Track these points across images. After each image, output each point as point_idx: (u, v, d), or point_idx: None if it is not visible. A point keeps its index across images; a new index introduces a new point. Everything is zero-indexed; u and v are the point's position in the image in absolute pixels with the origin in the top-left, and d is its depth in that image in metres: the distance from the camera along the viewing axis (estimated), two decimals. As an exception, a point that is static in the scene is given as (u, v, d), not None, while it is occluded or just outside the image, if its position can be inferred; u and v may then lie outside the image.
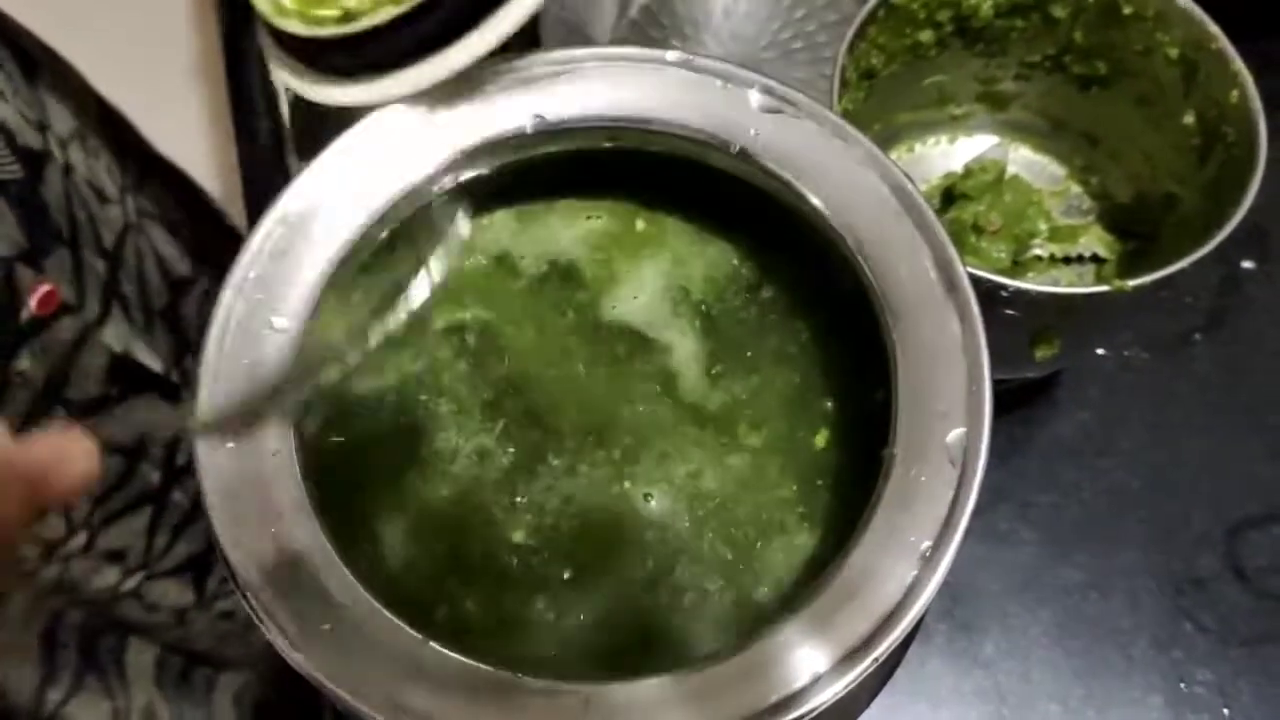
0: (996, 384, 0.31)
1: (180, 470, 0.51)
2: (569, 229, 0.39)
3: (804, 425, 0.36)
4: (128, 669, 0.50)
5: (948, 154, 0.62)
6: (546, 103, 0.36)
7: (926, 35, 0.55)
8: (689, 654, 0.33)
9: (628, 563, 0.34)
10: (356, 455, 0.36)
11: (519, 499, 0.35)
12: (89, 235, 0.48)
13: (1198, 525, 0.56)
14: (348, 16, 0.39)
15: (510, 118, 0.35)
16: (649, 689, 0.28)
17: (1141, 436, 0.58)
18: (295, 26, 0.39)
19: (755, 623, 0.32)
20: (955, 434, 0.31)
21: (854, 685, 0.28)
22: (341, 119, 0.36)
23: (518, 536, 0.35)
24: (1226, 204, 0.46)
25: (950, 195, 0.58)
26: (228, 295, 0.33)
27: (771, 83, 0.36)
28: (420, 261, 0.34)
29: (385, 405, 0.36)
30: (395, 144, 0.35)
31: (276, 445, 0.31)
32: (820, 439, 0.36)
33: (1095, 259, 0.58)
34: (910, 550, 0.29)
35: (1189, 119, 0.52)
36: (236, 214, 0.61)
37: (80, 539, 0.46)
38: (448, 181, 0.36)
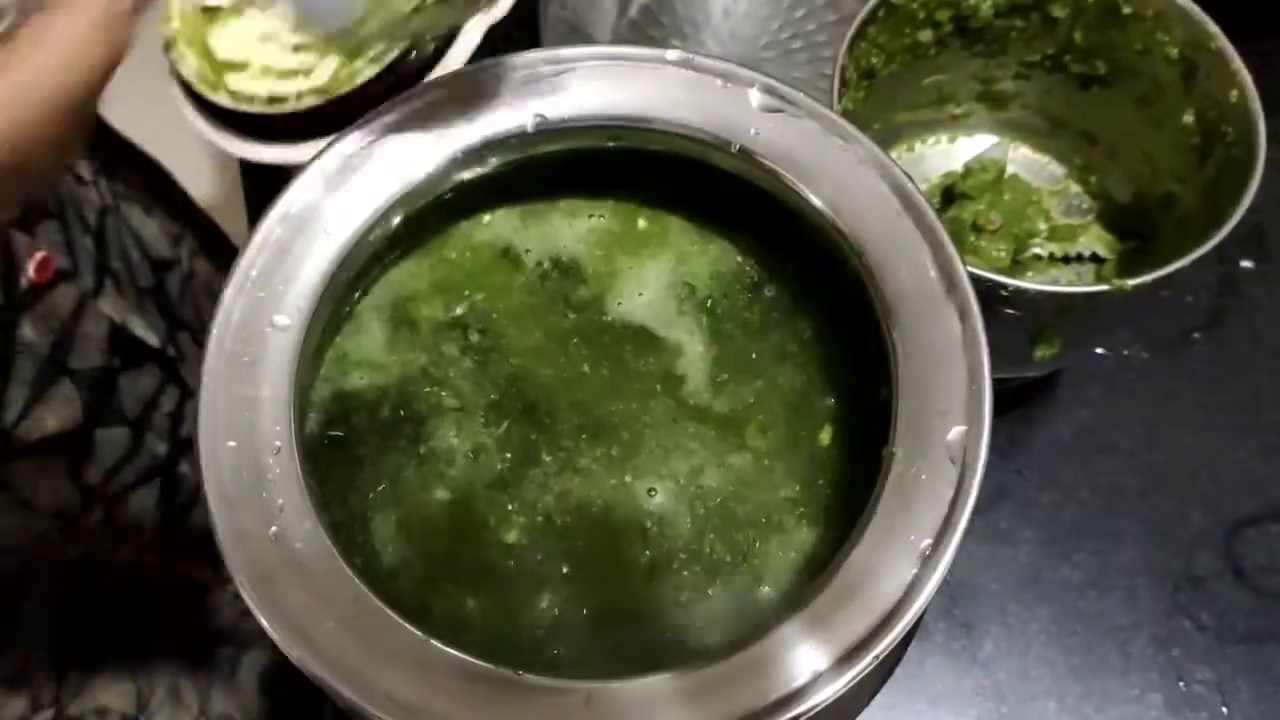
0: (997, 383, 0.31)
1: (185, 442, 0.51)
2: (571, 227, 0.39)
3: (807, 424, 0.36)
4: (151, 649, 0.50)
5: (947, 153, 0.62)
6: (547, 102, 0.36)
7: (926, 35, 0.55)
8: (690, 652, 0.33)
9: (631, 561, 0.34)
10: (358, 453, 0.36)
11: (521, 497, 0.35)
12: (73, 212, 0.49)
13: (1196, 524, 0.56)
14: (273, 100, 0.43)
15: (511, 117, 0.36)
16: (650, 686, 0.28)
17: (1141, 436, 0.58)
18: (224, 100, 0.42)
19: (755, 620, 0.32)
20: (956, 433, 0.31)
21: (854, 683, 0.28)
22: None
23: (519, 535, 0.35)
24: (1226, 204, 0.46)
25: (950, 194, 0.58)
26: (229, 293, 0.33)
27: (772, 82, 0.36)
28: None
29: (387, 403, 0.36)
30: (396, 143, 0.35)
31: (277, 442, 0.31)
32: (825, 435, 0.36)
33: (1095, 258, 0.58)
34: (910, 549, 0.30)
35: (1188, 119, 0.52)
36: (237, 213, 0.61)
37: (98, 513, 0.46)
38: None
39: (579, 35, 0.63)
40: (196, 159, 0.74)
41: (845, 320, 0.37)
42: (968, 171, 0.58)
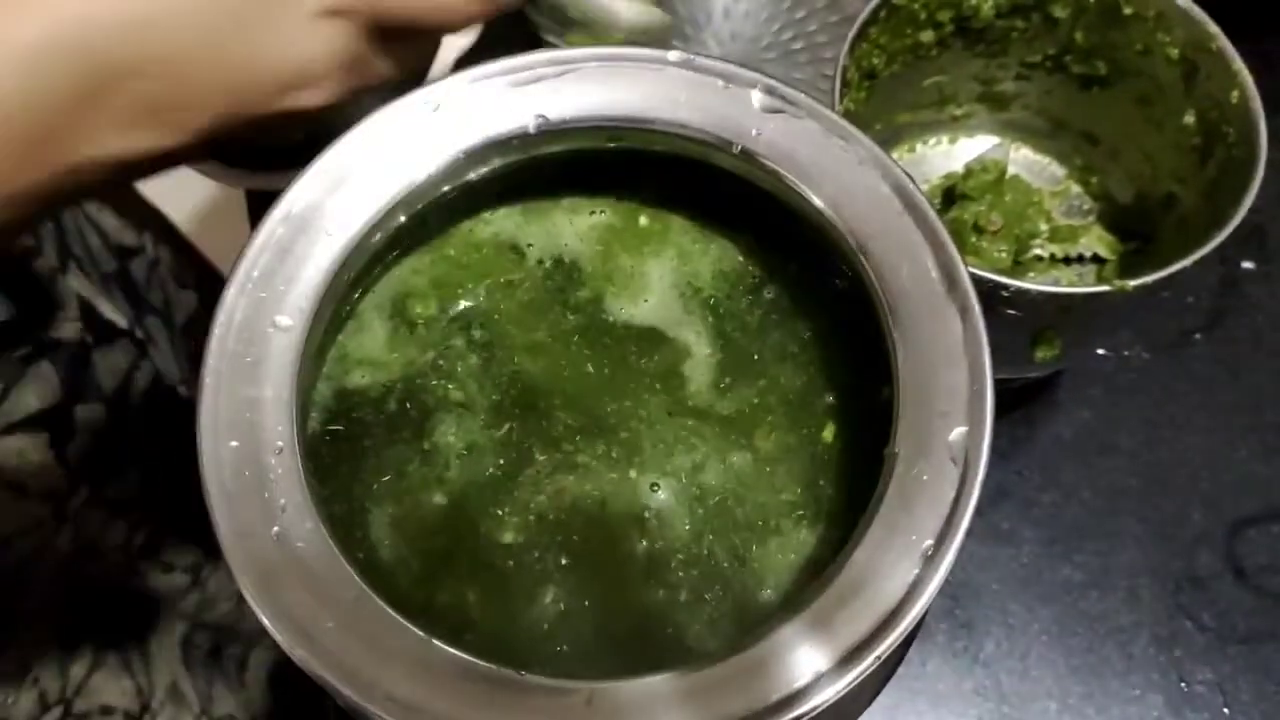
0: (998, 384, 0.31)
1: (160, 420, 0.51)
2: (573, 224, 0.39)
3: (809, 425, 0.36)
4: (150, 646, 0.50)
5: (948, 154, 0.63)
6: (548, 103, 0.36)
7: (927, 35, 0.55)
8: (691, 652, 0.33)
9: (634, 561, 0.34)
10: (360, 451, 0.36)
11: (523, 496, 0.35)
12: None
13: (1197, 524, 0.56)
14: None
15: (512, 117, 0.36)
16: (651, 686, 0.28)
17: (1141, 436, 0.58)
18: None
19: (757, 621, 0.32)
20: (957, 433, 0.31)
21: (855, 684, 0.28)
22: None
23: (521, 535, 0.35)
24: (1226, 204, 0.46)
25: (951, 195, 0.58)
26: (231, 294, 0.33)
27: (773, 82, 0.36)
28: None
29: (390, 402, 0.36)
30: (398, 143, 0.35)
31: (279, 442, 0.31)
32: (827, 435, 0.36)
33: (1095, 259, 0.58)
34: (912, 549, 0.30)
35: (1189, 119, 0.52)
36: (238, 213, 0.61)
37: (83, 493, 0.46)
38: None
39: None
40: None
41: (846, 321, 0.37)
42: (969, 172, 0.58)
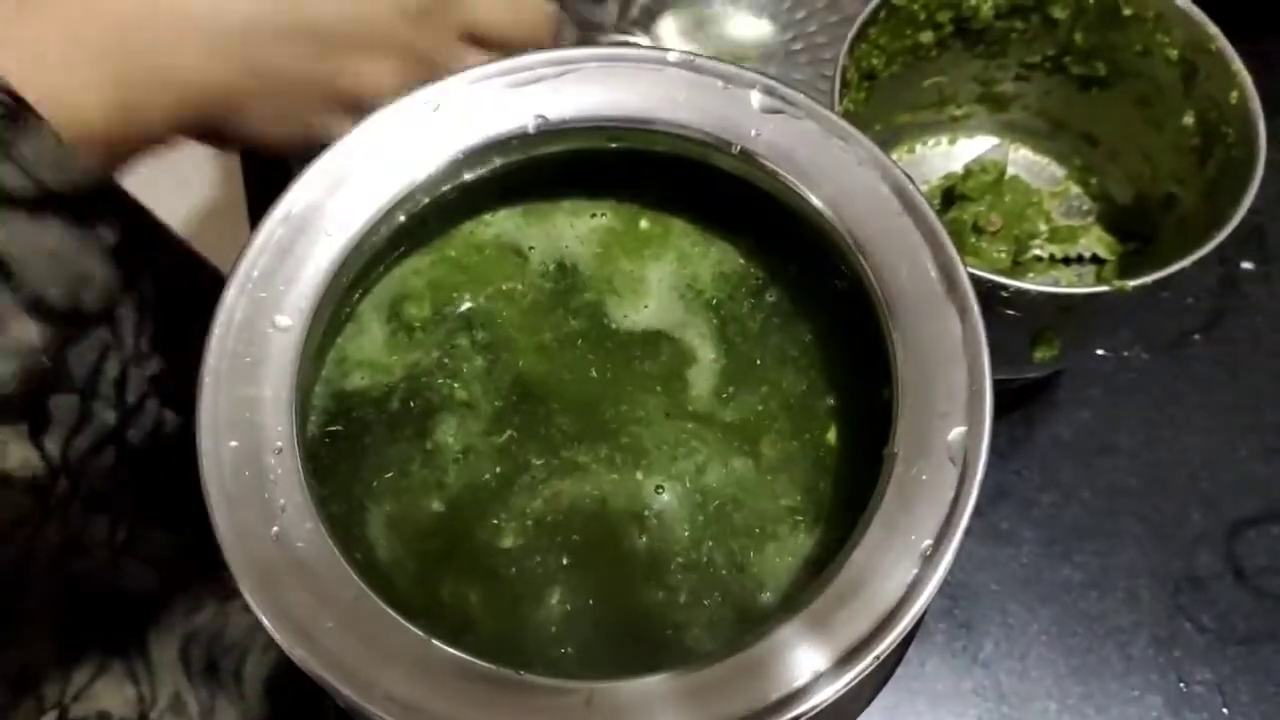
0: (997, 384, 0.31)
1: (132, 409, 0.51)
2: (574, 229, 0.39)
3: (812, 429, 0.36)
4: (151, 654, 0.50)
5: (948, 155, 0.63)
6: (548, 103, 0.36)
7: (927, 36, 0.55)
8: (690, 652, 0.33)
9: (635, 559, 0.34)
10: (360, 452, 0.36)
11: (524, 496, 0.35)
12: None
13: (1197, 524, 0.56)
14: None
15: (512, 118, 0.36)
16: (650, 686, 0.28)
17: (1141, 436, 0.58)
18: None
19: (756, 621, 0.32)
20: (956, 433, 0.31)
21: (854, 684, 0.28)
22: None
23: (522, 536, 0.35)
24: (1226, 205, 0.46)
25: (950, 196, 0.58)
26: (231, 294, 0.33)
27: (773, 83, 0.36)
28: None
29: (391, 403, 0.36)
30: (397, 143, 0.35)
31: (279, 443, 0.31)
32: (830, 436, 0.36)
33: (1095, 259, 0.58)
34: (911, 549, 0.30)
35: (1189, 120, 0.52)
36: (238, 213, 0.61)
37: (64, 483, 0.46)
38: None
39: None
40: (198, 159, 0.74)
41: (845, 321, 0.37)
42: (968, 173, 0.58)
